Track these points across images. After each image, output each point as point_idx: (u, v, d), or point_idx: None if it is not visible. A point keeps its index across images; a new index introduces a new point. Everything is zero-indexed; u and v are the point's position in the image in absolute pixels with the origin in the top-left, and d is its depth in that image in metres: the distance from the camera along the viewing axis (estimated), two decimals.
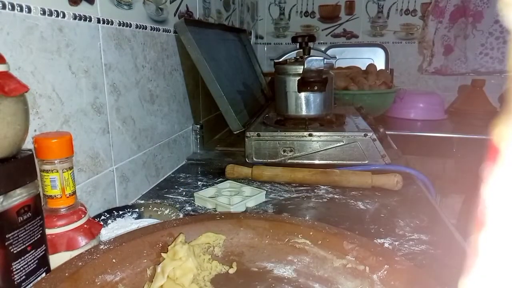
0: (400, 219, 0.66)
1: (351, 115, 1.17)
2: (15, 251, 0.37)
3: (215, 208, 0.72)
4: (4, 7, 0.46)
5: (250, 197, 0.74)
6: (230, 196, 0.75)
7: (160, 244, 0.46)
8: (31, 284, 0.39)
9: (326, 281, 0.44)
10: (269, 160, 0.95)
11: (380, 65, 1.95)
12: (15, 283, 0.37)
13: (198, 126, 1.09)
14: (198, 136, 1.09)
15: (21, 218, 0.38)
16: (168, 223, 0.49)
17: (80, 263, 0.39)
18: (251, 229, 0.49)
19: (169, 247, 0.44)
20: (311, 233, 0.46)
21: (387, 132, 1.13)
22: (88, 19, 0.61)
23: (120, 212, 0.66)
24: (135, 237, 0.45)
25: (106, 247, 0.43)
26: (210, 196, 0.75)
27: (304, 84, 1.04)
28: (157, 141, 0.88)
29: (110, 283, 0.40)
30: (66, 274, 0.37)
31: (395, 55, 2.04)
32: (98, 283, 0.39)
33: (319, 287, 0.44)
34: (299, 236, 0.47)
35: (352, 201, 0.75)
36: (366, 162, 0.93)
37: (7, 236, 0.36)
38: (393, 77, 1.71)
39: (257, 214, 0.53)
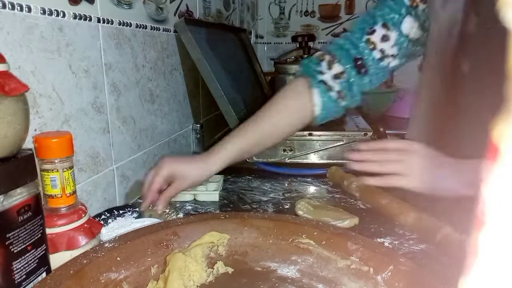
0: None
1: (351, 115, 1.17)
2: (15, 251, 0.37)
3: (194, 199, 0.75)
4: (4, 6, 0.46)
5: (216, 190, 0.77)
6: (200, 185, 0.77)
7: (165, 243, 0.46)
8: (31, 284, 0.39)
9: (330, 281, 0.44)
10: (269, 160, 0.95)
11: None
12: (16, 282, 0.37)
13: (198, 125, 1.09)
14: (198, 136, 1.09)
15: (22, 218, 0.38)
16: (172, 222, 0.49)
17: (85, 261, 0.39)
18: (255, 228, 0.49)
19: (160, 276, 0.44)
20: (315, 233, 0.46)
21: (387, 132, 1.13)
22: (88, 19, 0.61)
23: (121, 212, 0.66)
24: (140, 235, 0.45)
25: (110, 245, 0.43)
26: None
27: None
28: (157, 141, 0.88)
29: (115, 281, 0.41)
30: (71, 272, 0.37)
31: None
32: (103, 281, 0.39)
33: (322, 287, 0.44)
34: (303, 236, 0.47)
35: (352, 200, 0.75)
36: None
37: (7, 236, 0.36)
38: (393, 76, 1.71)
39: (262, 214, 0.54)
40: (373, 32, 0.64)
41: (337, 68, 0.65)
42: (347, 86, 0.66)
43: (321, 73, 0.66)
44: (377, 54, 0.64)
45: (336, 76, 0.65)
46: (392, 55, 0.65)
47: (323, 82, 0.66)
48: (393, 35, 0.63)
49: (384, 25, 0.63)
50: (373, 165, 0.57)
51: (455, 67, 0.56)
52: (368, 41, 0.64)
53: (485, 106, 0.50)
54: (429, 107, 0.64)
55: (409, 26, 0.63)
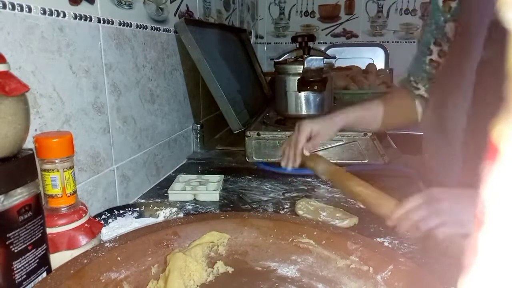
0: None
1: None
2: (16, 250, 0.37)
3: (194, 199, 0.76)
4: (4, 6, 0.46)
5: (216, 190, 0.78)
6: (200, 185, 0.80)
7: (165, 243, 0.46)
8: (32, 283, 0.39)
9: (329, 281, 0.44)
10: (269, 160, 0.96)
11: (380, 64, 1.95)
12: (16, 282, 0.37)
13: (198, 125, 1.09)
14: (198, 136, 1.09)
15: (22, 217, 0.38)
16: (173, 222, 0.49)
17: (85, 261, 0.39)
18: (255, 228, 0.49)
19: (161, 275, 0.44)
20: (315, 233, 0.46)
21: (386, 132, 1.13)
22: (88, 19, 0.61)
23: (121, 211, 0.66)
24: (140, 235, 0.45)
25: (111, 245, 0.43)
26: (182, 189, 0.78)
27: (304, 84, 1.04)
28: (157, 141, 0.88)
29: (115, 280, 0.41)
30: (72, 272, 0.37)
31: (394, 55, 2.04)
32: (103, 281, 0.39)
33: (322, 287, 0.44)
34: (303, 235, 0.47)
35: (352, 200, 0.75)
36: (366, 161, 0.93)
37: (8, 235, 0.36)
38: (393, 76, 1.71)
39: (262, 214, 0.54)
40: (431, 52, 0.73)
41: (422, 87, 0.77)
42: None
43: (417, 88, 0.77)
44: None
45: (427, 91, 0.76)
46: None
47: (420, 96, 0.77)
48: (445, 47, 0.70)
49: (436, 42, 0.71)
50: (421, 224, 0.53)
51: (481, 56, 0.58)
52: (430, 61, 0.73)
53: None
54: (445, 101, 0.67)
55: (452, 30, 0.68)
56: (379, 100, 0.83)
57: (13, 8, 0.47)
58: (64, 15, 0.56)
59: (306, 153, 0.73)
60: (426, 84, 0.76)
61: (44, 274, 0.41)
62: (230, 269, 0.47)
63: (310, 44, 1.17)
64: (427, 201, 0.52)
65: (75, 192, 0.46)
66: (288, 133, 0.97)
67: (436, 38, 0.71)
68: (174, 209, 0.68)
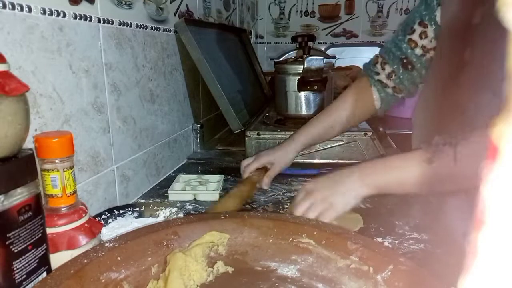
0: (400, 218, 0.66)
1: None
2: (16, 250, 0.37)
3: (194, 199, 0.76)
4: (4, 6, 0.46)
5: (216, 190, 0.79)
6: (200, 185, 0.80)
7: (165, 242, 0.46)
8: (32, 283, 0.39)
9: (329, 281, 0.44)
10: None
11: None
12: (16, 282, 0.37)
13: (198, 125, 1.09)
14: (198, 136, 1.09)
15: (22, 217, 0.38)
16: (173, 222, 0.49)
17: (85, 261, 0.39)
18: (255, 228, 0.49)
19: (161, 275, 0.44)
20: (315, 233, 0.46)
21: (386, 132, 1.13)
22: (88, 19, 0.61)
23: (121, 211, 0.66)
24: (140, 235, 0.45)
25: (111, 245, 0.43)
26: (182, 189, 0.79)
27: (304, 84, 1.04)
28: (157, 141, 0.88)
29: (115, 280, 0.41)
30: (71, 272, 0.37)
31: None
32: (103, 281, 0.39)
33: (322, 287, 0.44)
34: (303, 235, 0.47)
35: None
36: None
37: (8, 235, 0.36)
38: None
39: (262, 213, 0.53)
40: (413, 31, 0.70)
41: (387, 69, 0.75)
42: (399, 82, 0.75)
43: (377, 73, 0.76)
44: (419, 51, 0.71)
45: (389, 76, 0.75)
46: (433, 48, 0.70)
47: (379, 81, 0.76)
48: (430, 30, 0.68)
49: (421, 23, 0.69)
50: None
51: (459, 56, 0.59)
52: (409, 41, 0.71)
53: (486, 95, 0.52)
54: (433, 101, 0.67)
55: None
56: (332, 105, 0.83)
57: (13, 8, 0.47)
58: (64, 15, 0.56)
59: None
60: (395, 65, 0.74)
61: (44, 274, 0.41)
62: (230, 269, 0.47)
63: (310, 44, 1.17)
64: (305, 196, 0.61)
65: (75, 192, 0.46)
66: (288, 133, 0.97)
67: (422, 19, 0.69)
68: (174, 209, 0.68)
